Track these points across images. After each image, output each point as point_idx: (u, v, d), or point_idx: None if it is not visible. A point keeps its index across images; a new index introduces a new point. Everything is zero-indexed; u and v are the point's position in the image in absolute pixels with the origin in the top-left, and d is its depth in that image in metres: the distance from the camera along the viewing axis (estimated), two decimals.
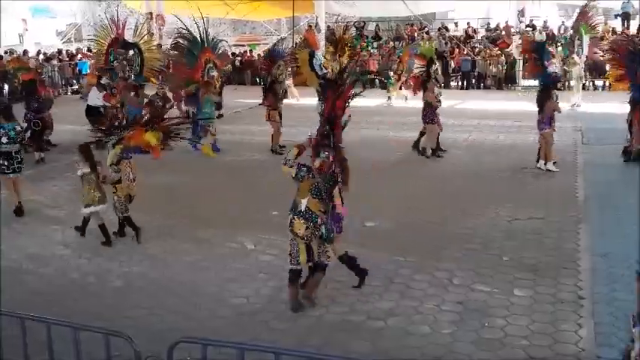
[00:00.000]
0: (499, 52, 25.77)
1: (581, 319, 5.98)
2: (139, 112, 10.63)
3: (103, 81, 14.46)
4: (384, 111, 19.39)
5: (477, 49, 27.00)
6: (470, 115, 18.55)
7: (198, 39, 14.30)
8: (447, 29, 30.00)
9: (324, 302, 6.49)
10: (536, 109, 11.90)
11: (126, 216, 8.49)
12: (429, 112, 12.93)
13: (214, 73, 14.85)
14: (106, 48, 14.05)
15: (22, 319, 4.12)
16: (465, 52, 26.77)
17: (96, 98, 14.43)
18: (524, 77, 24.03)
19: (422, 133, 13.37)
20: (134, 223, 8.47)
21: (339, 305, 6.42)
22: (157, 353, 3.91)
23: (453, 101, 21.30)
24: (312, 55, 14.27)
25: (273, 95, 14.08)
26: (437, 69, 13.57)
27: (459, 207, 9.52)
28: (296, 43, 15.76)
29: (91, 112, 14.56)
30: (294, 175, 6.28)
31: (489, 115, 17.91)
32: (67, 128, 15.76)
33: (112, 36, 14.09)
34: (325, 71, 14.40)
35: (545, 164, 11.70)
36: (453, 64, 26.50)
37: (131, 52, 14.20)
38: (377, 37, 30.07)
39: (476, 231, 8.56)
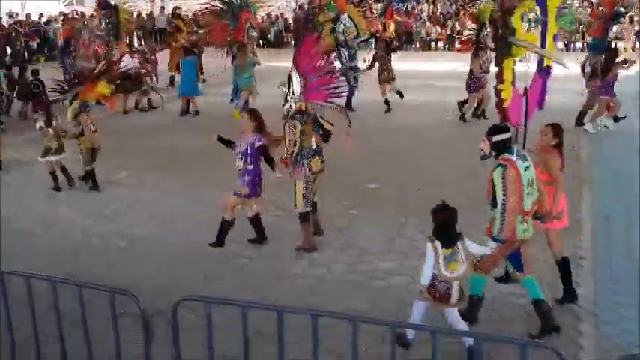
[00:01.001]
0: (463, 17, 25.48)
1: (581, 278, 6.03)
2: None
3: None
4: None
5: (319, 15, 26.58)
6: (444, 76, 18.40)
7: None
8: None
9: (326, 261, 6.56)
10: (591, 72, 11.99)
11: (88, 169, 8.99)
12: (471, 81, 12.75)
13: (254, 34, 14.40)
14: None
15: (27, 278, 4.18)
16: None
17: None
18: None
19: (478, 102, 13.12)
20: (95, 178, 8.99)
21: (341, 264, 6.49)
22: (161, 311, 3.97)
23: (461, 63, 21.12)
24: (336, 19, 13.86)
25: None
26: (487, 34, 12.90)
27: (464, 169, 9.50)
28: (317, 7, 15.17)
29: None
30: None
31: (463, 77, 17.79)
32: None
33: None
34: (348, 36, 14.02)
35: (600, 121, 11.75)
36: (458, 26, 26.23)
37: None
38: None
39: (479, 193, 8.53)
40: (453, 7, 27.64)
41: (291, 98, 6.66)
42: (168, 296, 4.87)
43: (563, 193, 5.66)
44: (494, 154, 5.02)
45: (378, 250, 6.81)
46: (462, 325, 4.68)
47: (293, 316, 3.90)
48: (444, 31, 27.81)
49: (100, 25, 14.72)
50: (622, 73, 11.98)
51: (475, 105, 13.09)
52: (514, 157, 4.90)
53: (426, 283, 4.70)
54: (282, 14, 31.83)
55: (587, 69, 12.46)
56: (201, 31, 16.63)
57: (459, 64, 20.87)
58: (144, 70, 14.41)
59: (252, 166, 6.74)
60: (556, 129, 5.74)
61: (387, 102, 14.11)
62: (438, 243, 4.66)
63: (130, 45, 15.76)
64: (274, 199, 8.23)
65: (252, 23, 13.98)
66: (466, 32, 13.68)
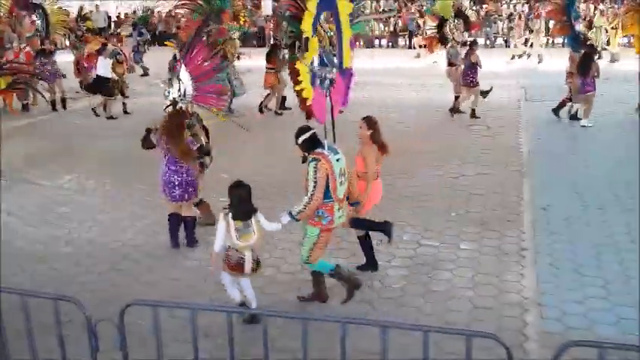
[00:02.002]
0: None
1: (524, 269, 6.22)
2: None
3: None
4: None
5: (425, 8, 27.06)
6: (418, 73, 18.70)
7: None
8: None
9: (276, 262, 6.56)
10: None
11: None
12: (473, 74, 12.66)
13: (236, 35, 14.23)
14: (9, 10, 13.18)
15: None
16: (412, 11, 26.79)
17: (103, 68, 13.64)
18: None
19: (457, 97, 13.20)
20: None
21: (291, 265, 6.50)
22: (108, 317, 3.89)
23: (400, 59, 21.44)
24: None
25: (277, 57, 13.65)
26: (454, 26, 13.13)
27: (408, 166, 9.66)
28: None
29: (100, 83, 13.77)
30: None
31: (437, 74, 18.06)
32: None
33: None
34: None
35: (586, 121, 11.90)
36: (400, 23, 26.56)
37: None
38: None
39: (424, 189, 8.73)
40: (396, 4, 27.96)
41: (182, 99, 6.75)
42: (115, 302, 4.78)
43: (376, 183, 6.20)
44: (310, 149, 5.39)
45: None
46: (250, 292, 5.32)
47: (241, 316, 3.90)
48: (387, 28, 28.08)
49: (31, 26, 14.10)
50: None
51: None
52: (326, 151, 5.31)
53: (217, 251, 5.21)
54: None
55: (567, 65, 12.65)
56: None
57: (401, 59, 21.31)
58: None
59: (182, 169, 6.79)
60: (369, 121, 6.18)
61: None
62: (229, 216, 5.13)
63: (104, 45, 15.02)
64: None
65: (233, 24, 13.88)
66: (428, 29, 13.79)
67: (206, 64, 6.83)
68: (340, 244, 6.81)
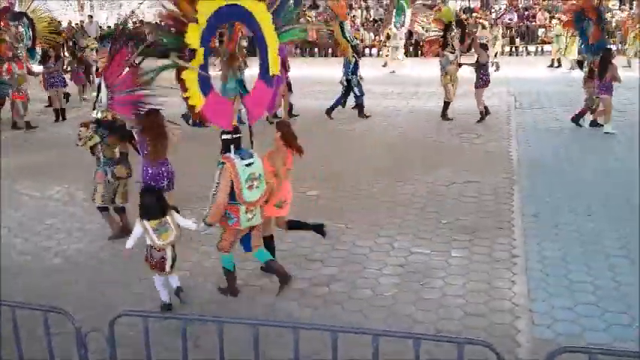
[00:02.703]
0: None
1: (515, 276, 6.23)
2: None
3: None
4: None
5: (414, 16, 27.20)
6: (408, 82, 18.76)
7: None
8: None
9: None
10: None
11: None
12: (483, 75, 12.82)
13: (245, 43, 14.17)
14: None
15: None
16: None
17: None
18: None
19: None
20: None
21: None
22: (97, 328, 3.88)
23: (392, 68, 21.52)
24: (342, 26, 13.80)
25: (282, 66, 13.59)
26: (454, 35, 13.23)
27: (400, 174, 9.69)
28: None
29: None
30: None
31: (427, 82, 18.15)
32: None
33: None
34: (357, 41, 14.08)
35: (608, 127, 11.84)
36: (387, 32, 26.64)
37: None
38: (314, 5, 29.88)
39: (415, 196, 8.74)
40: (385, 13, 28.09)
41: (99, 107, 7.02)
42: (104, 312, 4.76)
43: (287, 183, 6.39)
44: (224, 152, 5.69)
45: (319, 258, 6.84)
46: (174, 282, 5.73)
47: (234, 327, 3.88)
48: (377, 37, 28.19)
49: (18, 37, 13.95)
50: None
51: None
52: (233, 155, 5.58)
53: (127, 247, 5.67)
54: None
55: (585, 70, 12.62)
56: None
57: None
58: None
59: None
60: (279, 126, 6.46)
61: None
62: (145, 220, 5.48)
63: (57, 57, 15.02)
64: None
65: (244, 33, 13.81)
66: (432, 33, 13.86)
67: (124, 73, 6.88)
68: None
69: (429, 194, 8.80)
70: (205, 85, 5.39)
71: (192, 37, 5.14)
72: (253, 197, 5.66)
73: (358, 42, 13.93)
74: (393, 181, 9.31)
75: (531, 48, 25.92)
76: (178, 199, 7.61)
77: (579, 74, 13.69)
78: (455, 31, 13.27)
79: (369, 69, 21.58)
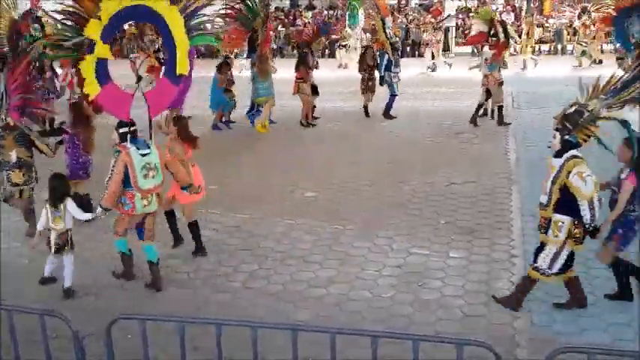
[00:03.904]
0: (432, 19, 26.07)
1: (514, 276, 6.22)
2: None
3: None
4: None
5: (411, 17, 27.26)
6: (406, 83, 18.73)
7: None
8: None
9: (266, 274, 6.53)
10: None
11: None
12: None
13: (274, 46, 14.16)
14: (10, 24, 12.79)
15: None
16: (399, 20, 26.94)
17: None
18: (457, 45, 24.63)
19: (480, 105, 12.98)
20: None
21: (281, 276, 6.47)
22: (95, 332, 3.86)
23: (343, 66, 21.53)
24: (383, 22, 13.71)
25: (305, 67, 13.43)
26: (493, 34, 12.85)
27: (398, 174, 9.68)
28: None
29: None
30: None
31: (424, 83, 18.17)
32: None
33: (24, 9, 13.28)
34: (396, 39, 14.00)
35: None
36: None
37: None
38: (311, 6, 29.95)
39: (413, 197, 8.73)
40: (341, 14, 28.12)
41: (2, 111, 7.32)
42: (102, 316, 4.74)
43: (195, 170, 6.96)
44: (120, 142, 6.10)
45: (317, 259, 6.83)
46: (67, 271, 6.18)
47: (232, 329, 3.86)
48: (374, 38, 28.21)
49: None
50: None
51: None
52: (129, 145, 5.99)
53: (38, 229, 6.26)
54: None
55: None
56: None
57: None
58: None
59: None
60: (175, 120, 7.02)
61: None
62: (47, 203, 6.08)
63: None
64: (216, 212, 8.17)
65: (275, 34, 13.78)
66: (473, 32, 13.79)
67: (17, 79, 7.26)
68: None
69: (428, 195, 8.80)
70: (103, 75, 5.90)
71: (92, 30, 5.71)
72: (148, 185, 6.05)
73: (397, 39, 13.86)
74: (392, 182, 9.30)
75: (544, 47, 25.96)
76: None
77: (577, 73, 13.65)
78: (494, 30, 12.85)
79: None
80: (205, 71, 15.20)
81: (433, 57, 21.20)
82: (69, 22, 5.88)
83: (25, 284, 6.45)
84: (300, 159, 10.98)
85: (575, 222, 5.30)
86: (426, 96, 16.42)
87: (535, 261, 5.49)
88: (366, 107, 14.13)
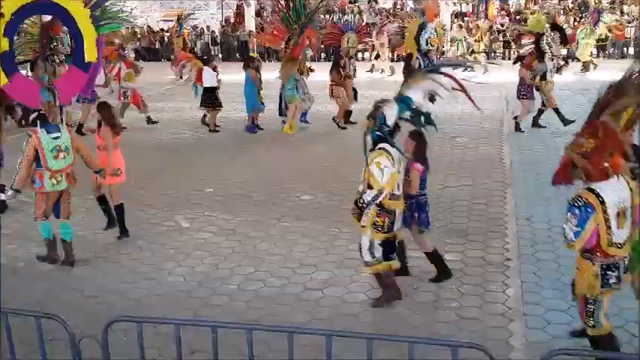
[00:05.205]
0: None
1: (508, 279, 6.25)
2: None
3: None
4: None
5: (406, 21, 27.28)
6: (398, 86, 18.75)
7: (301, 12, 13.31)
8: (376, 1, 30.16)
9: (262, 276, 6.54)
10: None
11: None
12: (522, 88, 12.47)
13: (309, 52, 14.15)
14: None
15: None
16: (395, 24, 26.98)
17: (211, 78, 13.51)
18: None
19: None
20: None
21: (277, 278, 6.48)
22: (92, 334, 3.87)
23: (383, 73, 21.59)
24: (422, 27, 13.52)
25: (337, 71, 13.35)
26: (552, 39, 12.56)
27: None
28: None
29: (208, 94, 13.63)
30: None
31: None
32: None
33: None
34: (431, 47, 13.65)
35: None
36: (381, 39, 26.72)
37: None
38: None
39: None
40: (378, 17, 28.16)
41: None
42: (98, 318, 4.75)
43: (116, 154, 7.45)
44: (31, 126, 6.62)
45: (313, 262, 6.84)
46: None
47: (229, 332, 3.88)
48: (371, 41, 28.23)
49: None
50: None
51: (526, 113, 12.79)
52: (39, 129, 6.52)
53: None
54: (208, 27, 31.65)
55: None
56: None
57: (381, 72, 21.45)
58: None
59: None
60: (99, 108, 7.59)
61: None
62: None
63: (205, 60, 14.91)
64: (212, 215, 8.19)
65: (312, 41, 13.76)
66: (525, 48, 13.51)
67: None
68: None
69: None
70: (9, 66, 6.35)
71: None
72: (58, 166, 6.59)
73: (430, 47, 13.58)
74: None
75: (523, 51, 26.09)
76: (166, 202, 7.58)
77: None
78: (550, 37, 12.64)
79: (358, 73, 21.67)
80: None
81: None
82: None
83: (22, 287, 6.44)
84: (297, 162, 11.00)
85: (379, 211, 5.54)
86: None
87: (361, 255, 5.74)
88: None
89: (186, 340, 3.75)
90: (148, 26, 31.43)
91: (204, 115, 14.01)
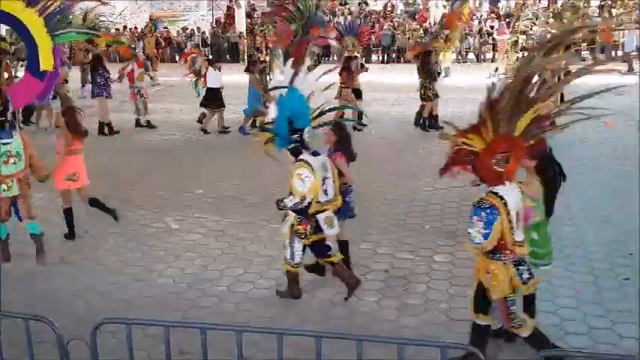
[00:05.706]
0: (418, 26, 26.26)
1: None
2: None
3: None
4: None
5: (397, 23, 27.41)
6: (391, 88, 18.85)
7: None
8: (366, 3, 30.25)
9: (252, 278, 6.54)
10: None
11: None
12: None
13: (315, 50, 14.12)
14: None
15: None
16: (385, 27, 27.11)
17: (215, 79, 13.55)
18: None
19: None
20: None
21: (267, 280, 6.48)
22: (80, 336, 3.85)
23: (374, 75, 21.63)
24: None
25: (347, 72, 13.32)
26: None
27: (383, 180, 9.73)
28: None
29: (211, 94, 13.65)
30: None
31: (409, 89, 18.21)
32: None
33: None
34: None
35: None
36: (373, 39, 26.80)
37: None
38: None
39: (398, 202, 8.78)
40: (367, 19, 28.24)
41: None
42: (87, 320, 4.72)
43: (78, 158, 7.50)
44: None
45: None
46: None
47: (218, 334, 3.87)
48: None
49: None
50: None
51: None
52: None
53: None
54: (198, 28, 31.62)
55: None
56: None
57: (374, 74, 21.51)
58: None
59: None
60: (63, 113, 7.55)
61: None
62: None
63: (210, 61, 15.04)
64: (202, 216, 8.18)
65: (318, 41, 13.75)
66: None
67: None
68: None
69: (413, 200, 8.85)
70: None
71: None
72: (8, 171, 6.63)
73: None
74: (377, 187, 9.34)
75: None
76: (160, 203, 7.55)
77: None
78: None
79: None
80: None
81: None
82: None
83: (9, 288, 6.39)
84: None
85: (299, 219, 5.77)
86: (412, 102, 16.48)
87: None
88: (429, 115, 13.60)
89: (176, 342, 3.74)
90: (124, 26, 31.16)
91: (202, 114, 14.00)
